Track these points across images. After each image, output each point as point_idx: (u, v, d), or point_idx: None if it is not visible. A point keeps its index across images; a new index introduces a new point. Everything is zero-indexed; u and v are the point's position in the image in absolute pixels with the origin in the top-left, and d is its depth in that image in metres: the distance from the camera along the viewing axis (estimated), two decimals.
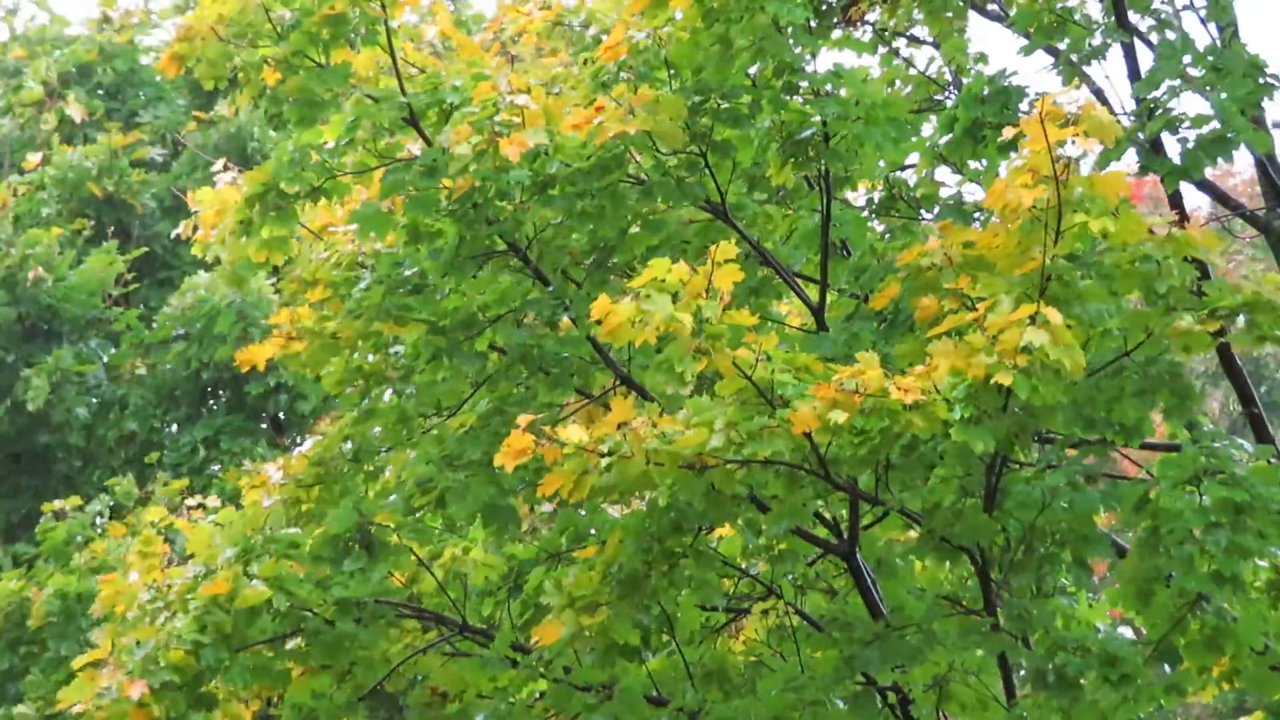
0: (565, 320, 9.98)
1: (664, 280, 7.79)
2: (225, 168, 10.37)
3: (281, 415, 19.77)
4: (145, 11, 23.43)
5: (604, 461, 7.88)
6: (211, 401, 19.87)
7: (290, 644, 9.99)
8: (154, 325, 19.91)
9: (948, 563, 10.50)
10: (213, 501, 13.21)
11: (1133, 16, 10.45)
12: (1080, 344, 7.85)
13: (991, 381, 7.53)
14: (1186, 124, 9.59)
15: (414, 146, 9.90)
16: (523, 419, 8.01)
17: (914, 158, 10.49)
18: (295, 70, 9.69)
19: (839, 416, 7.59)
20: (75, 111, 22.12)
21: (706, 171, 9.74)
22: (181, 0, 22.96)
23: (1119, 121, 9.29)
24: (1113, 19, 10.31)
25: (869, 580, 10.00)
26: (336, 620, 9.99)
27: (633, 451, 7.84)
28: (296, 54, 9.66)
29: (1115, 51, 10.57)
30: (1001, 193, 7.84)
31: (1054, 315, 7.55)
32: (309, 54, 9.72)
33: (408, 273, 9.90)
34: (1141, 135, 9.62)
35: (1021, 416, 7.96)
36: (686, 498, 8.15)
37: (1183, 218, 10.30)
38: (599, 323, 10.01)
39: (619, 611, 8.99)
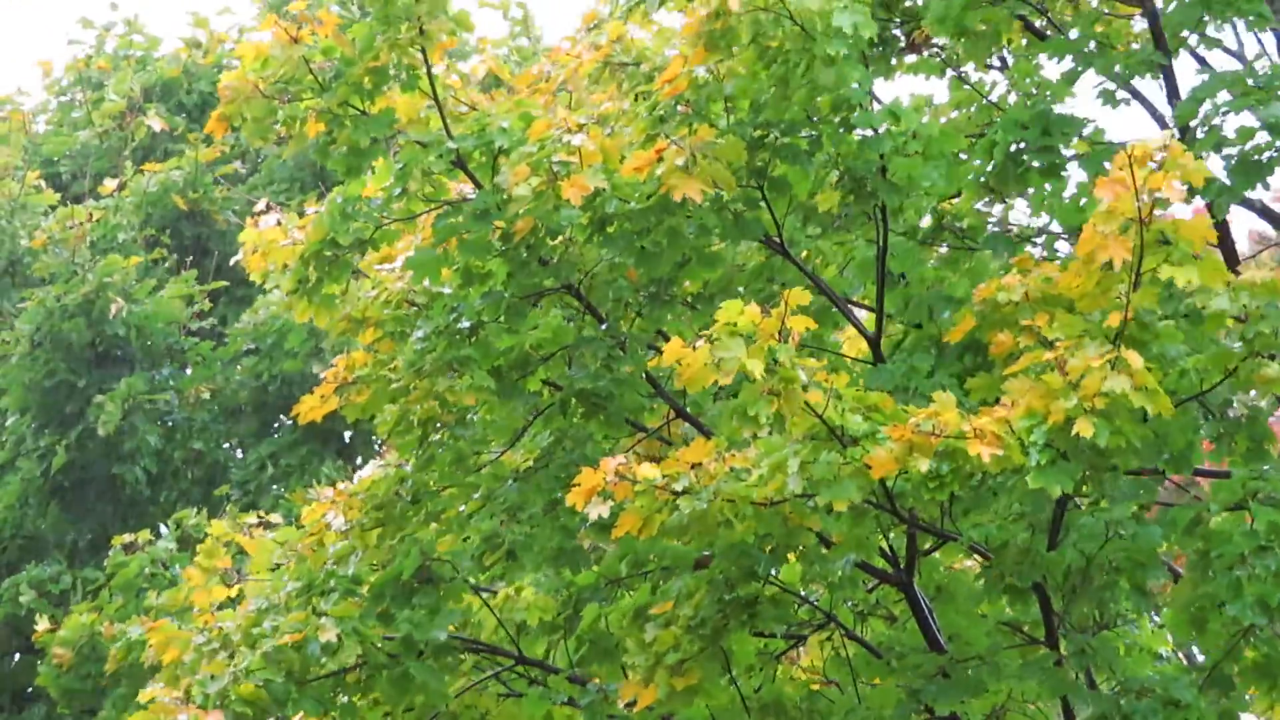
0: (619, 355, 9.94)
1: (736, 324, 7.78)
2: (268, 208, 10.35)
3: (348, 436, 19.79)
4: (238, 41, 23.46)
5: (679, 502, 7.91)
6: (283, 415, 19.90)
7: (349, 678, 10.01)
8: (227, 342, 19.95)
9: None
10: (275, 519, 13.23)
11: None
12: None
13: (1074, 430, 7.53)
14: (1232, 138, 9.52)
15: (462, 188, 9.86)
16: (605, 462, 8.02)
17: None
18: (340, 121, 9.66)
19: (920, 463, 7.59)
20: (156, 123, 22.12)
21: (764, 206, 9.70)
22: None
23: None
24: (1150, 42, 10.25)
25: (926, 608, 9.95)
26: (402, 656, 10.01)
27: (711, 496, 7.87)
28: (341, 105, 9.62)
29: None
30: (1090, 240, 7.80)
31: (1135, 360, 7.54)
32: (353, 103, 9.69)
33: (464, 323, 9.87)
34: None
35: (1094, 457, 7.92)
36: (764, 532, 8.15)
37: (1228, 246, 10.24)
38: (657, 350, 10.04)
39: (706, 670, 9.04)
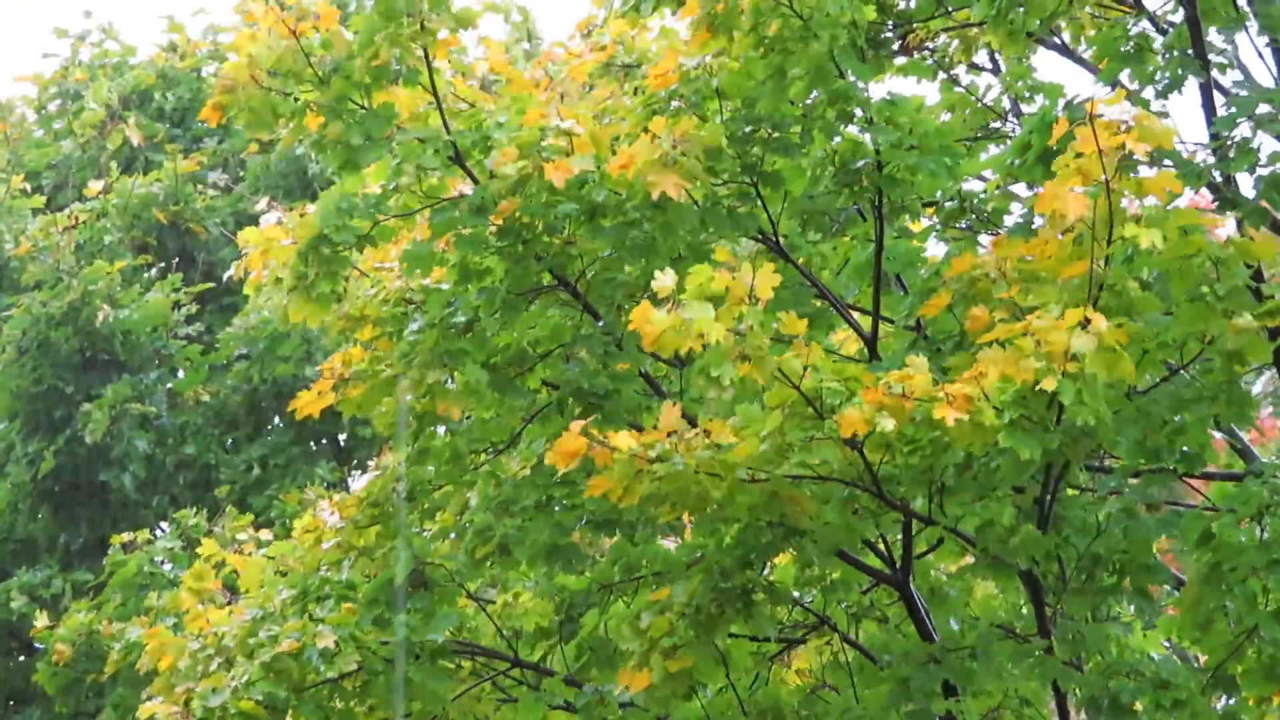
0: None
1: (707, 289, 7.68)
2: (270, 206, 10.34)
3: (343, 440, 19.77)
4: (214, 43, 23.50)
5: (655, 468, 7.82)
6: (277, 419, 19.89)
7: (346, 684, 10.01)
8: (217, 348, 19.94)
9: (1002, 590, 10.44)
10: (265, 535, 13.22)
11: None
12: (1135, 360, 7.82)
13: (1038, 388, 7.45)
14: (1263, 161, 9.38)
15: (463, 186, 9.87)
16: (574, 425, 7.98)
17: (988, 173, 10.43)
18: (338, 115, 9.62)
19: (886, 422, 7.52)
20: (133, 135, 22.20)
21: (758, 202, 9.68)
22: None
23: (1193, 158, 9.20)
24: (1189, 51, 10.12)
25: (922, 609, 9.95)
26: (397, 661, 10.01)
27: (684, 462, 7.80)
28: (339, 99, 9.59)
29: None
30: (1051, 198, 7.75)
31: (1100, 321, 7.46)
32: (351, 98, 9.65)
33: (459, 317, 9.84)
34: (1217, 174, 9.47)
35: (1073, 429, 7.86)
36: (753, 506, 8.07)
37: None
38: (642, 351, 10.02)
39: (700, 653, 9.00)
